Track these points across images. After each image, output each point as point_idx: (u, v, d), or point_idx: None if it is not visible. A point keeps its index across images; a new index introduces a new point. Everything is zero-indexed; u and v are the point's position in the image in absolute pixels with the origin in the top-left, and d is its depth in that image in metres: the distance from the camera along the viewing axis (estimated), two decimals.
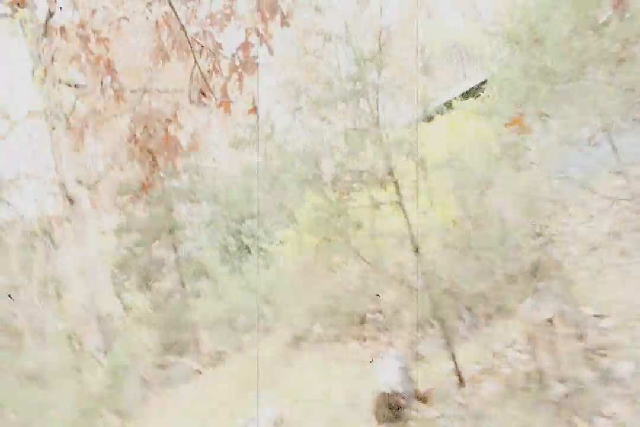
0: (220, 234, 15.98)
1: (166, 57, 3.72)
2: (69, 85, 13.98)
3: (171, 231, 17.90)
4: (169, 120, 3.92)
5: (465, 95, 11.11)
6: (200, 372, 14.76)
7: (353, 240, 6.96)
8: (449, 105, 10.29)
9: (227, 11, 3.90)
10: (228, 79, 3.99)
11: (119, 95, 3.68)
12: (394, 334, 11.71)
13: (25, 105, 14.61)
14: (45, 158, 15.82)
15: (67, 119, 13.91)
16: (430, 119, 7.80)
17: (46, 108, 13.67)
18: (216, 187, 15.72)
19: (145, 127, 3.97)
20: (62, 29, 3.23)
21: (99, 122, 3.77)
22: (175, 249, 18.26)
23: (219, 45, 3.91)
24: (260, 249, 15.03)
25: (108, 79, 3.59)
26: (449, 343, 7.62)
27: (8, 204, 15.16)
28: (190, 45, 3.70)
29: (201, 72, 3.79)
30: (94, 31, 3.30)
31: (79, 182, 14.70)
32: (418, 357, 10.22)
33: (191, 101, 3.93)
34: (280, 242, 13.27)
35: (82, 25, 3.26)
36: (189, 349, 16.84)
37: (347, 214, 6.60)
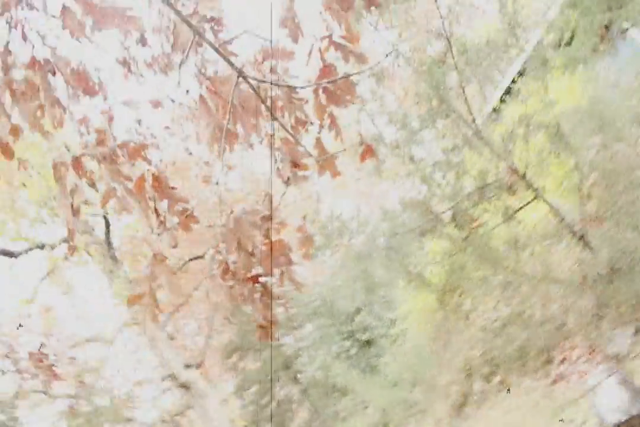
0: (335, 344, 14.18)
1: (234, 137, 2.42)
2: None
3: (287, 366, 16.17)
4: (266, 219, 2.56)
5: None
6: None
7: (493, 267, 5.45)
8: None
9: (292, 27, 2.59)
10: (322, 126, 2.64)
11: (188, 219, 2.36)
12: (564, 347, 9.55)
13: (115, 320, 13.74)
14: (147, 359, 14.56)
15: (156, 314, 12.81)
16: (503, 101, 6.56)
17: (136, 319, 12.68)
18: (310, 300, 14.22)
19: (239, 244, 2.60)
20: (76, 163, 1.98)
21: (175, 293, 2.41)
22: (297, 381, 16.47)
23: (292, 89, 2.53)
24: (383, 336, 13.17)
25: (165, 204, 2.32)
26: None
27: (130, 419, 13.61)
28: (263, 102, 2.40)
29: (289, 133, 2.46)
30: (121, 145, 2.08)
31: (187, 366, 13.31)
32: (618, 359, 8.07)
33: (286, 180, 2.62)
34: (401, 318, 11.50)
35: (101, 142, 2.02)
36: None
37: (483, 244, 5.11)
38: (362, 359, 13.64)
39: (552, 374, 9.26)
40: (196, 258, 13.33)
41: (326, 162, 2.63)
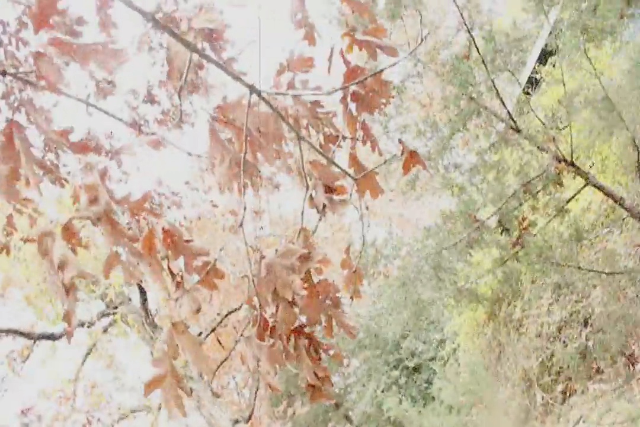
0: (383, 375, 13.38)
1: (254, 170, 2.02)
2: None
3: (337, 406, 15.30)
4: (305, 258, 2.01)
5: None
6: None
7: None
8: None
9: (308, 28, 2.17)
10: (355, 140, 2.19)
11: (211, 274, 1.88)
12: (629, 342, 8.72)
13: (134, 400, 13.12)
14: (195, 421, 13.82)
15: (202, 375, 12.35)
16: (527, 93, 6.15)
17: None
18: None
19: (275, 294, 2.05)
20: (66, 230, 1.54)
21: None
22: (348, 419, 15.56)
23: (317, 103, 2.09)
24: (432, 359, 12.35)
25: (181, 262, 1.87)
26: None
27: None
28: (284, 120, 1.91)
29: (320, 153, 2.00)
30: (120, 201, 1.65)
31: (236, 422, 12.57)
32: None
33: (321, 209, 2.10)
34: (450, 338, 10.77)
35: (93, 200, 1.57)
36: None
37: (537, 244, 4.59)
38: (413, 387, 12.82)
39: (622, 373, 8.47)
40: (234, 311, 12.85)
41: (366, 180, 2.14)
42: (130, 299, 12.28)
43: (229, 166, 2.03)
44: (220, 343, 13.65)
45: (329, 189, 2.18)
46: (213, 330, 12.85)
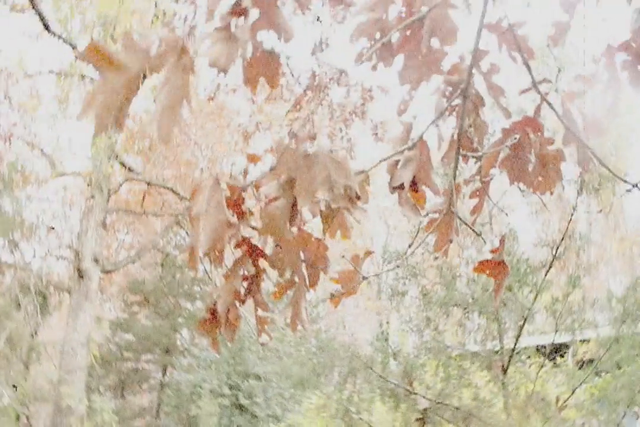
0: (217, 381, 12.00)
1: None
2: (123, 165, 11.88)
3: (167, 352, 14.09)
4: (350, 199, 1.30)
5: None
6: None
7: None
8: None
9: None
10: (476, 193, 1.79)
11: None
12: None
13: (74, 163, 12.46)
14: (72, 221, 12.87)
15: (109, 195, 11.50)
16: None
17: (92, 175, 11.34)
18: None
19: (288, 185, 1.23)
20: None
21: None
22: (164, 371, 14.37)
23: (479, 106, 1.62)
24: (254, 416, 10.93)
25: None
26: None
27: (16, 246, 11.46)
28: None
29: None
30: None
31: (96, 261, 11.54)
32: None
33: (394, 188, 1.54)
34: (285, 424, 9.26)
35: None
36: None
37: None
38: (224, 415, 11.47)
39: None
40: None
41: (445, 225, 1.60)
42: None
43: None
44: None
45: (413, 186, 1.60)
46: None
